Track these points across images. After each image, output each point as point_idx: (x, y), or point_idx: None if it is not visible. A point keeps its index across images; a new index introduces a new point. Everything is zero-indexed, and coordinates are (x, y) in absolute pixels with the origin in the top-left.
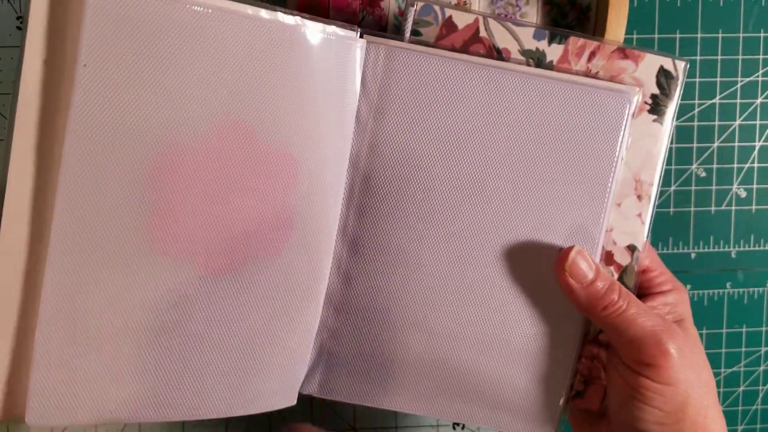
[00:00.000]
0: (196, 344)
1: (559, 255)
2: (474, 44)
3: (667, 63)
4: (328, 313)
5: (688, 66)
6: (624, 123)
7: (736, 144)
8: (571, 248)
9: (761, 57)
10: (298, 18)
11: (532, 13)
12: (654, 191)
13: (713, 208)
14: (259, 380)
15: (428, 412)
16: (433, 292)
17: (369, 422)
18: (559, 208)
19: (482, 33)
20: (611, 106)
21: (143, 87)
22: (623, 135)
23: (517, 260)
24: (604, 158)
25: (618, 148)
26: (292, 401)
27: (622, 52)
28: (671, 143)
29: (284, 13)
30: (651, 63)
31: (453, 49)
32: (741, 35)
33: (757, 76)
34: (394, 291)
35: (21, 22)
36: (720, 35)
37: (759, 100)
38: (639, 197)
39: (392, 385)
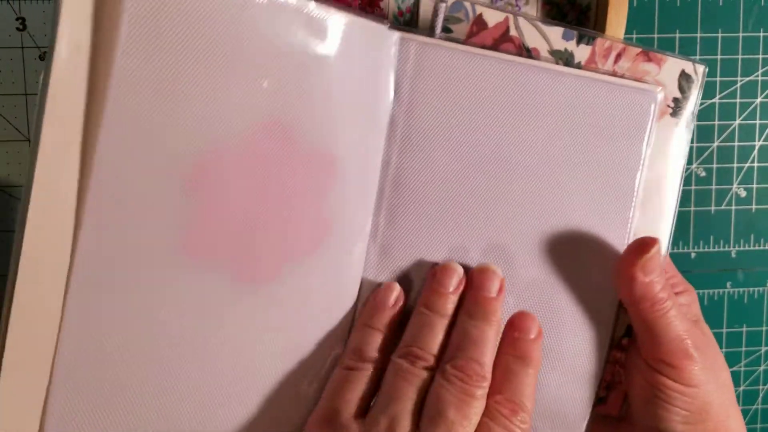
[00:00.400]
0: (231, 362)
1: (637, 243)
2: (504, 43)
3: (688, 66)
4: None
5: (707, 70)
6: (650, 121)
7: (736, 144)
8: (653, 240)
9: (761, 56)
10: (332, 9)
11: (532, 13)
12: (676, 194)
13: (713, 208)
14: (292, 399)
15: None
16: None
17: None
18: (588, 207)
19: (512, 32)
20: (637, 103)
21: (185, 79)
22: (649, 133)
23: (547, 260)
24: (631, 156)
25: (644, 146)
26: None
27: (646, 55)
28: None
29: (317, 2)
30: (673, 66)
31: (483, 47)
32: (741, 35)
33: (757, 76)
34: None
35: (21, 22)
36: (720, 35)
37: (759, 100)
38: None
39: None
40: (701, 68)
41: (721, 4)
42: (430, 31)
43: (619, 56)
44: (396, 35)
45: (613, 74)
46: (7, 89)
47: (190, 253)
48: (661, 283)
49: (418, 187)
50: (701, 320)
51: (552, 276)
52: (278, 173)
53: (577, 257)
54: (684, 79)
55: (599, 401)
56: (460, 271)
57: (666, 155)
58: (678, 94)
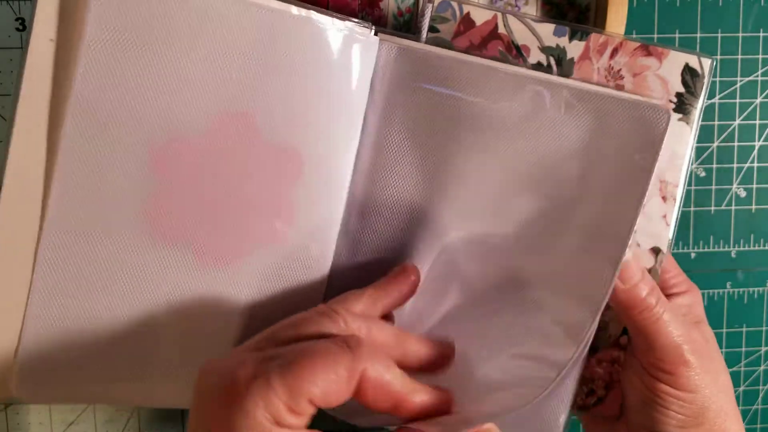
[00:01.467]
0: (190, 333)
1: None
2: (492, 41)
3: (693, 60)
4: None
5: (714, 63)
6: (663, 139)
7: (736, 144)
8: None
9: (760, 56)
10: (311, 11)
11: (531, 13)
12: (679, 192)
13: (713, 208)
14: None
15: None
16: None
17: None
18: (582, 213)
19: (501, 29)
20: (648, 121)
21: (148, 70)
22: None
23: (534, 262)
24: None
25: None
26: None
27: (646, 49)
28: None
29: (295, 4)
30: (675, 60)
31: (471, 46)
32: (740, 35)
33: (757, 76)
34: None
35: (20, 23)
36: (719, 35)
37: (758, 100)
38: (664, 198)
39: None
40: (708, 62)
41: (721, 4)
42: (414, 32)
43: (615, 51)
44: (375, 38)
45: (609, 70)
46: (8, 89)
47: (152, 225)
48: (647, 289)
49: (392, 188)
50: (703, 321)
51: (539, 280)
52: (241, 162)
53: (569, 260)
54: (688, 73)
55: (598, 401)
56: (417, 272)
57: (670, 152)
58: (681, 89)
